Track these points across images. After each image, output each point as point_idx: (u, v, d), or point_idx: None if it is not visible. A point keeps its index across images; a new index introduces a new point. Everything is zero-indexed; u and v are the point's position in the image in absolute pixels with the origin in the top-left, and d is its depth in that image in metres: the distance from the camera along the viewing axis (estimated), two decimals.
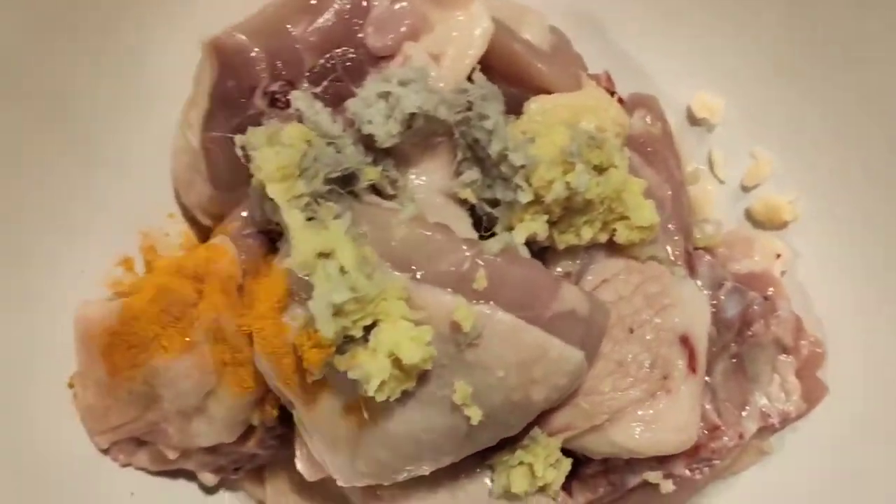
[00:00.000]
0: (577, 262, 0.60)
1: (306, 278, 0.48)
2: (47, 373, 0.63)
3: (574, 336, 0.53)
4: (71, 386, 0.64)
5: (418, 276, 0.50)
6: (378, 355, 0.48)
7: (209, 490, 0.67)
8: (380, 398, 0.48)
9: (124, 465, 0.64)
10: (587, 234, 0.57)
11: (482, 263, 0.50)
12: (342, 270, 0.48)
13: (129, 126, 0.65)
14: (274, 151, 0.51)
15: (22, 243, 0.63)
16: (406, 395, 0.51)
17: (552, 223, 0.57)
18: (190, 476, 0.67)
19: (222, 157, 0.62)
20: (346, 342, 0.49)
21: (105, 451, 0.64)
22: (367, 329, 0.49)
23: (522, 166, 0.54)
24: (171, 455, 0.63)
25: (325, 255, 0.48)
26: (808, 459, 0.66)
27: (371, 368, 0.47)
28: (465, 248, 0.51)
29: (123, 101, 0.65)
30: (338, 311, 0.47)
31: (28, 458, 0.60)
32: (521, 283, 0.51)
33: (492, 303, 0.50)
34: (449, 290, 0.50)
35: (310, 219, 0.51)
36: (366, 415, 0.51)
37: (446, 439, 0.53)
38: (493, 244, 0.52)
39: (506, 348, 0.51)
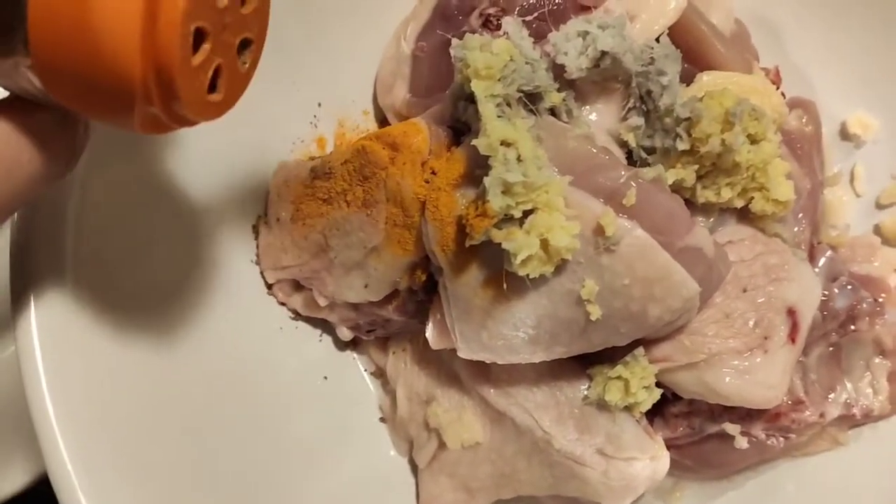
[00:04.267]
0: (711, 220, 0.67)
1: (487, 161, 0.58)
2: (238, 216, 0.75)
3: (696, 271, 0.60)
4: (254, 228, 0.76)
5: (578, 183, 0.59)
6: (531, 235, 0.56)
7: (341, 345, 0.78)
8: (522, 272, 0.57)
9: (280, 303, 0.76)
10: (726, 194, 0.64)
11: (634, 184, 0.58)
12: (519, 158, 0.57)
13: (358, 28, 0.78)
14: (484, 55, 0.60)
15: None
16: (542, 280, 0.59)
17: (699, 177, 0.64)
18: (327, 328, 0.78)
19: (427, 65, 0.73)
20: (505, 220, 0.57)
21: (269, 287, 0.76)
22: (525, 215, 0.57)
23: (687, 119, 0.62)
24: (322, 302, 0.73)
25: (507, 144, 0.57)
26: (881, 459, 0.70)
27: (522, 243, 0.56)
28: (623, 169, 0.59)
29: (360, 5, 0.77)
30: (507, 190, 0.56)
31: (215, 280, 0.72)
32: (664, 210, 0.59)
33: (634, 220, 0.58)
34: (601, 199, 0.58)
35: (499, 116, 0.60)
36: (504, 286, 0.60)
37: (564, 329, 0.61)
38: (649, 172, 0.60)
39: (636, 261, 0.58)
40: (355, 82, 0.80)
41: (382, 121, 0.81)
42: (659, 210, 0.59)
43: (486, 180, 0.56)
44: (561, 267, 0.59)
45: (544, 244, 0.57)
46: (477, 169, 0.60)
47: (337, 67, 0.78)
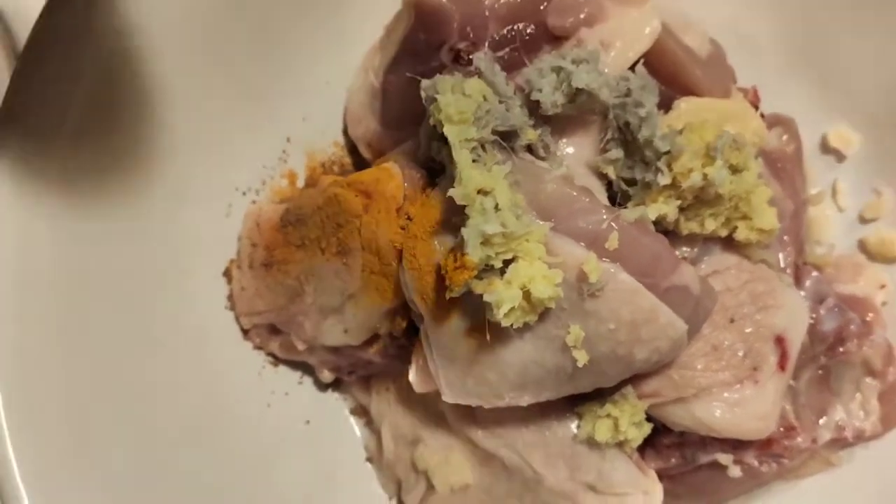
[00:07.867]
0: (695, 250, 0.65)
1: (464, 209, 0.56)
2: (209, 260, 0.73)
3: (683, 310, 0.59)
4: (226, 272, 0.73)
5: (558, 228, 0.57)
6: (512, 285, 0.55)
7: (322, 386, 0.76)
8: (505, 323, 0.55)
9: (257, 348, 0.74)
10: (710, 225, 0.63)
11: (616, 227, 0.57)
12: (496, 207, 0.55)
13: (324, 59, 0.75)
14: (456, 98, 0.58)
15: (210, 142, 0.72)
16: (526, 328, 0.58)
17: (681, 209, 0.63)
18: (307, 370, 0.76)
19: (397, 98, 0.71)
20: (485, 270, 0.56)
21: (245, 332, 0.74)
22: (506, 263, 0.56)
23: (667, 152, 0.60)
24: (300, 346, 0.71)
25: (484, 193, 0.55)
26: (873, 479, 0.70)
27: (504, 295, 0.54)
28: (604, 211, 0.57)
29: (323, 36, 0.74)
30: (486, 241, 0.54)
31: (186, 329, 0.70)
32: (648, 252, 0.57)
33: (618, 264, 0.57)
34: (583, 244, 0.57)
35: (474, 161, 0.58)
36: (488, 337, 0.58)
37: (551, 375, 0.60)
38: (630, 213, 0.58)
39: (622, 305, 0.57)
40: (323, 115, 0.78)
41: (353, 150, 0.79)
42: (643, 252, 0.57)
43: (465, 231, 0.54)
44: (545, 314, 0.57)
45: (526, 294, 0.55)
46: (453, 216, 0.58)
47: (303, 102, 0.76)
